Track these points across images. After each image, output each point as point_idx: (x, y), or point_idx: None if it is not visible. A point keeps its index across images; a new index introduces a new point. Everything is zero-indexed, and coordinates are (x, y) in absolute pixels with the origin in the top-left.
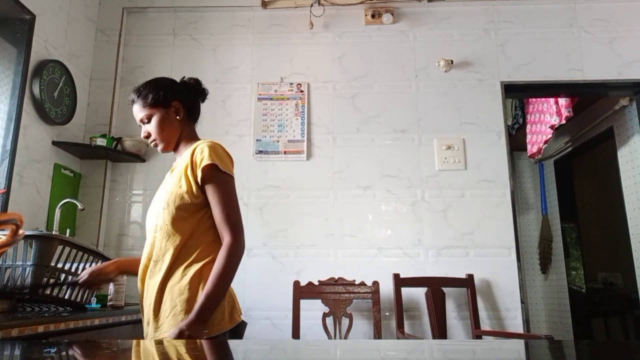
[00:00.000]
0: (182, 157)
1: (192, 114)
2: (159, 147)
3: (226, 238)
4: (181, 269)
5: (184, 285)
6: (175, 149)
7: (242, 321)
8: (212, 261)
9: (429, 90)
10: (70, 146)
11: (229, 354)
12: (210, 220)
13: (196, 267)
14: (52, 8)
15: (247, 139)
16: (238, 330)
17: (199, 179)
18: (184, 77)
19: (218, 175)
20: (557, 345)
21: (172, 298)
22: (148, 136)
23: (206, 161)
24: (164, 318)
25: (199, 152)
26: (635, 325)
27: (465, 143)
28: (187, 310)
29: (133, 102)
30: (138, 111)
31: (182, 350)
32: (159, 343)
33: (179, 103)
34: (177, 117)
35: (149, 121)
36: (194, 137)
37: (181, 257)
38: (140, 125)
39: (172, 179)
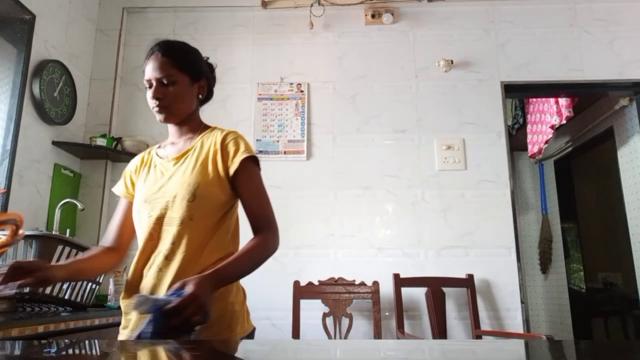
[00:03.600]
0: (200, 144)
1: (207, 99)
2: (163, 115)
3: (266, 232)
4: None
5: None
6: (181, 127)
7: (254, 327)
8: None
9: (429, 90)
10: (70, 146)
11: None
12: (232, 221)
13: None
14: (52, 8)
15: (247, 139)
16: (252, 335)
17: (231, 171)
18: (208, 58)
19: (253, 168)
20: (557, 345)
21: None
22: (159, 97)
23: (244, 154)
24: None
25: (232, 143)
26: (635, 325)
27: (465, 143)
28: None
29: (159, 54)
30: (162, 67)
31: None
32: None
33: (205, 83)
34: (200, 96)
35: (169, 84)
36: (201, 122)
37: (202, 258)
38: (150, 82)
39: (191, 167)
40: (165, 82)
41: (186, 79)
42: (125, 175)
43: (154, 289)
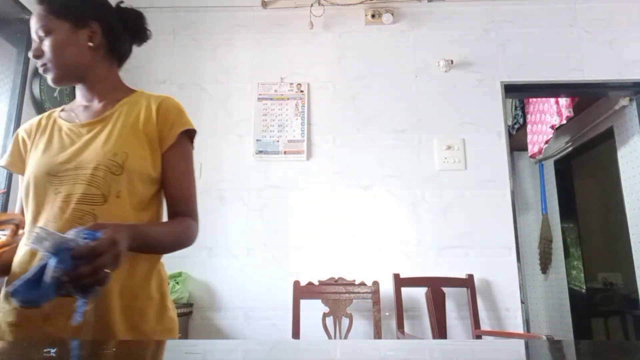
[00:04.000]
0: (126, 108)
1: (116, 50)
2: (50, 75)
3: (192, 220)
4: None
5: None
6: (91, 88)
7: None
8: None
9: (429, 90)
10: None
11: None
12: (158, 208)
13: (150, 264)
14: None
15: (247, 139)
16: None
17: (165, 144)
18: (122, 2)
19: (188, 145)
20: (557, 345)
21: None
22: (39, 56)
23: (186, 125)
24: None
25: (173, 111)
26: (635, 325)
27: (465, 143)
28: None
29: (36, 6)
30: (37, 19)
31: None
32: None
33: (98, 26)
34: (89, 44)
35: (45, 36)
36: (123, 85)
37: None
38: (34, 41)
39: (116, 134)
40: (41, 34)
41: (66, 26)
42: (17, 142)
43: None
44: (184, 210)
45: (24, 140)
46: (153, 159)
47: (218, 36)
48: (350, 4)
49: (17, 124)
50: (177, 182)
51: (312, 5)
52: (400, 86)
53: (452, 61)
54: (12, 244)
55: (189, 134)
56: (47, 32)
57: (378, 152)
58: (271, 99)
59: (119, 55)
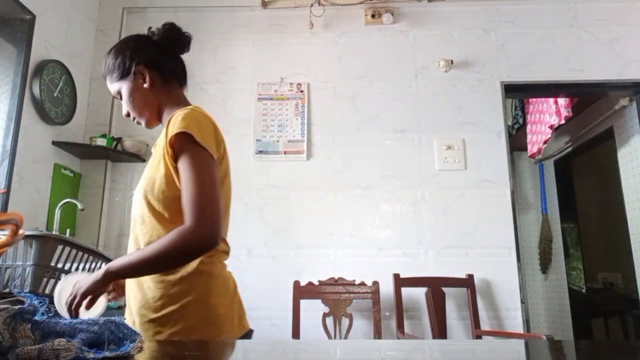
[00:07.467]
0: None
1: (168, 75)
2: (142, 123)
3: (187, 222)
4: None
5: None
6: (161, 117)
7: (250, 329)
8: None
9: (429, 90)
10: (70, 146)
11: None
12: None
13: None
14: (52, 8)
15: (247, 139)
16: (247, 338)
17: (170, 155)
18: (150, 28)
19: (192, 148)
20: (557, 345)
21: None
22: (128, 114)
23: (176, 129)
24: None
25: (173, 122)
26: (635, 325)
27: (465, 143)
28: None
29: (104, 77)
30: (109, 86)
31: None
32: (168, 343)
33: (142, 67)
34: (145, 85)
35: (121, 97)
36: (178, 102)
37: None
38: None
39: (151, 159)
40: (118, 97)
41: (123, 83)
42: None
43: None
44: (186, 216)
45: None
46: (167, 173)
47: (218, 36)
48: (350, 4)
49: (17, 124)
50: (183, 186)
51: (312, 5)
52: (400, 86)
53: (452, 61)
54: (12, 244)
55: (190, 137)
56: (118, 95)
57: (378, 152)
58: (271, 99)
59: (175, 75)
